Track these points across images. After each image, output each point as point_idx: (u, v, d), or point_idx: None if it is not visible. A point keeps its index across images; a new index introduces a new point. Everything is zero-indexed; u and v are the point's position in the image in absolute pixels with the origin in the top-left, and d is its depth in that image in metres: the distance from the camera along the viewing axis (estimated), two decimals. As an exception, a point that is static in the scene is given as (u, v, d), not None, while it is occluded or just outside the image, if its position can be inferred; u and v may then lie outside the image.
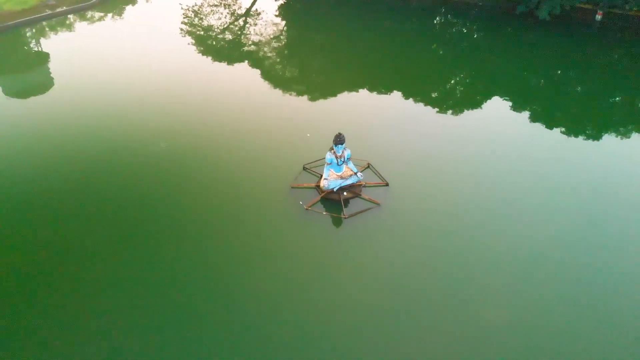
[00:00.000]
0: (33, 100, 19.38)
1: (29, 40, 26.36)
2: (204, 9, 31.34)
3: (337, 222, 12.90)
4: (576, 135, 17.85)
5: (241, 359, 9.34)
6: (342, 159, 13.48)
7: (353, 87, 21.08)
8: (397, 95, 20.45)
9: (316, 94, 20.46)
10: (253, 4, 31.80)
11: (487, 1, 30.75)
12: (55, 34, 26.81)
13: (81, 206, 13.08)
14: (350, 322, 10.19)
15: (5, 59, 24.10)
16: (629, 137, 17.92)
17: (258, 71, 22.47)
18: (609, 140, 17.68)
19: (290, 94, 20.34)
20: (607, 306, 10.72)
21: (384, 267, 11.60)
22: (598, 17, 27.99)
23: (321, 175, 14.02)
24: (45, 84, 21.06)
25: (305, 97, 20.20)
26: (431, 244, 12.27)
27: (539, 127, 18.19)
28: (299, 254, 11.91)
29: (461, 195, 13.96)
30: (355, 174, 13.65)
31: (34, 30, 27.00)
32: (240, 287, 10.90)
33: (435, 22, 30.18)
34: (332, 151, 13.39)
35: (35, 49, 25.15)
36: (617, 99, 21.28)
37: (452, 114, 18.87)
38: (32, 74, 22.86)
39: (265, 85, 20.90)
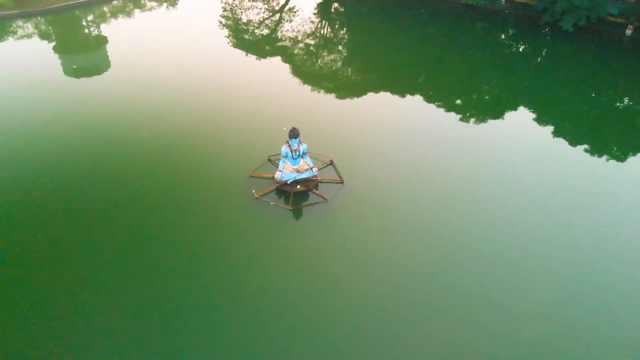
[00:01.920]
0: (88, 81, 20.15)
1: (89, 23, 27.81)
2: (243, 3, 31.68)
3: (283, 212, 12.97)
4: (574, 144, 16.61)
5: (173, 343, 9.46)
6: (298, 153, 13.44)
7: (347, 88, 20.74)
8: (386, 98, 19.79)
9: (305, 91, 20.10)
10: (286, 2, 31.79)
11: (514, 10, 28.73)
12: (115, 19, 27.93)
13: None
14: (279, 309, 10.27)
15: (66, 40, 25.42)
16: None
17: (261, 68, 22.36)
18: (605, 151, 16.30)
19: (278, 91, 19.89)
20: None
21: (317, 259, 11.62)
22: (628, 32, 25.34)
23: (281, 167, 14.07)
24: (102, 66, 21.28)
25: (291, 94, 19.70)
26: (365, 241, 12.14)
27: (526, 131, 17.14)
28: (241, 238, 12.10)
29: (411, 200, 13.58)
30: (311, 168, 13.60)
31: (92, 16, 28.33)
32: (174, 267, 11.24)
33: (458, 27, 28.63)
34: (288, 144, 13.38)
35: (95, 32, 26.55)
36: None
37: (434, 123, 17.92)
38: (91, 56, 23.36)
39: (260, 81, 20.58)
